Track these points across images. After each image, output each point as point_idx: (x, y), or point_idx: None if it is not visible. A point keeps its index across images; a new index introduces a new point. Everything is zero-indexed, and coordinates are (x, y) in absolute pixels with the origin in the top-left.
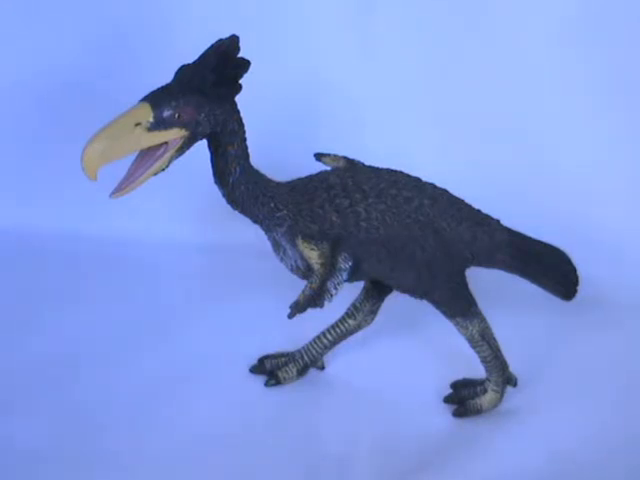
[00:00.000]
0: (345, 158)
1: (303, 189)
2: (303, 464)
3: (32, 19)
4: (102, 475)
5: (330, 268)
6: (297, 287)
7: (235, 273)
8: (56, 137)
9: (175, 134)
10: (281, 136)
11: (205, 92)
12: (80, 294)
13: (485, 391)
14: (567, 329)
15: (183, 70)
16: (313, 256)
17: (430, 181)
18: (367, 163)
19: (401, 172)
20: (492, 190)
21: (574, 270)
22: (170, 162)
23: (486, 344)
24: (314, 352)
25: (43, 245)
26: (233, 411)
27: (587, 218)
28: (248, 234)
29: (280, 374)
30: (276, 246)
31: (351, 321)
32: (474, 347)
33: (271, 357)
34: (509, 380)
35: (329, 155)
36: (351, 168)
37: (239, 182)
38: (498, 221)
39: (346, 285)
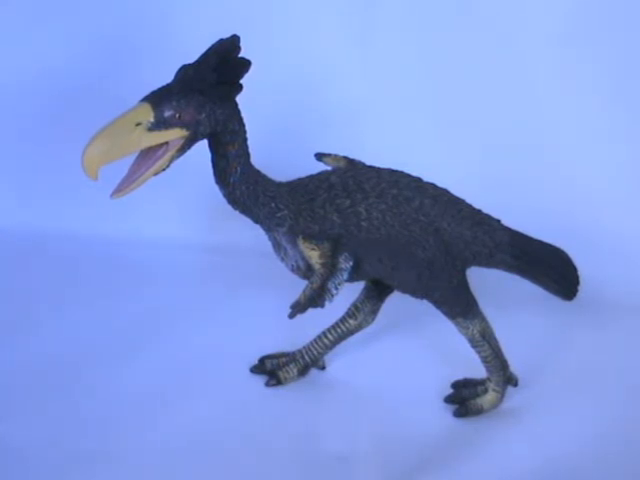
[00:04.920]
0: (346, 158)
1: (304, 189)
2: (303, 464)
3: (33, 20)
4: (102, 475)
5: (331, 268)
6: (298, 287)
7: (236, 273)
8: (56, 137)
9: (176, 134)
10: (282, 136)
11: (206, 92)
12: (80, 294)
13: (486, 391)
14: (568, 329)
15: (184, 70)
16: (314, 256)
17: (431, 181)
18: (367, 163)
19: (402, 172)
20: (493, 190)
21: (575, 270)
22: (171, 162)
23: (487, 344)
24: (315, 352)
25: (43, 245)
26: (234, 411)
27: (588, 218)
28: (249, 234)
29: (281, 374)
30: (277, 246)
31: (352, 321)
32: (475, 347)
33: (272, 357)
34: (510, 380)
35: (330, 155)
36: (352, 168)
37: (240, 182)
38: (499, 221)
39: (347, 285)
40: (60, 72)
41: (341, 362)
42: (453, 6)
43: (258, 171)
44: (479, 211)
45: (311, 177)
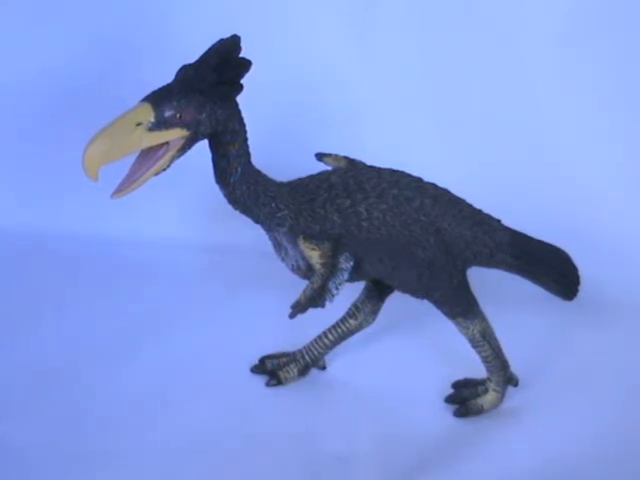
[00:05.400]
0: (346, 158)
1: (304, 189)
2: (303, 464)
3: (33, 20)
4: (102, 475)
5: (331, 268)
6: (298, 287)
7: (236, 273)
8: (56, 137)
9: (176, 134)
10: (282, 136)
11: (206, 92)
12: (80, 294)
13: (486, 391)
14: (568, 329)
15: (184, 70)
16: (314, 256)
17: (431, 181)
18: (368, 163)
19: (402, 172)
20: (493, 190)
21: (575, 270)
22: (171, 162)
23: (487, 344)
24: (315, 352)
25: (43, 245)
26: (234, 411)
27: (588, 218)
28: (249, 234)
29: (281, 374)
30: (277, 246)
31: (352, 321)
32: (475, 347)
33: (272, 357)
34: (510, 380)
35: (330, 155)
36: (352, 168)
37: (240, 182)
38: (499, 221)
39: (347, 285)
40: (60, 72)
41: (341, 362)
42: (453, 6)
43: (258, 171)
44: (479, 211)
45: (311, 177)
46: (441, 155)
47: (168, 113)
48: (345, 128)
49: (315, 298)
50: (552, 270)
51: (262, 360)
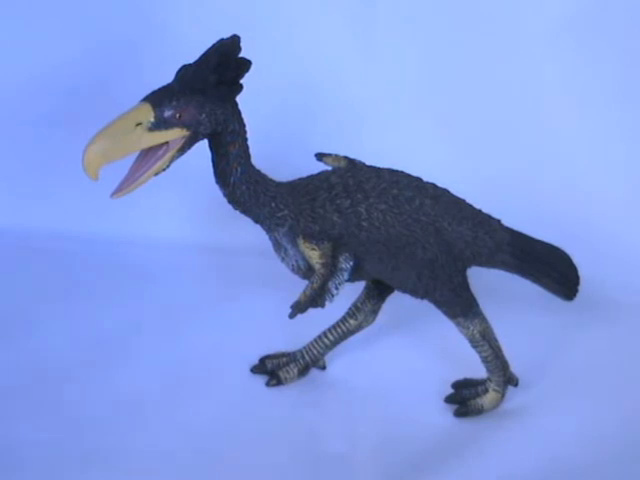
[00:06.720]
0: (346, 158)
1: (304, 189)
2: (304, 464)
3: (32, 19)
4: (101, 475)
5: (331, 268)
6: (298, 287)
7: (236, 273)
8: (56, 137)
9: (176, 134)
10: (282, 136)
11: (206, 92)
12: (80, 294)
13: (486, 391)
14: (568, 329)
15: (184, 70)
16: (314, 256)
17: (431, 181)
18: (368, 163)
19: (402, 172)
20: (493, 190)
21: (575, 270)
22: (171, 162)
23: (487, 344)
24: (315, 352)
25: (43, 245)
26: (234, 411)
27: (588, 218)
28: (249, 234)
29: (281, 374)
30: (277, 246)
31: (352, 321)
32: (475, 347)
33: (272, 357)
34: (510, 380)
35: (330, 155)
36: (352, 168)
37: (240, 182)
38: (499, 221)
39: (347, 285)
40: (60, 72)
41: (342, 362)
42: (455, 8)
43: (258, 171)
44: (479, 211)
45: (311, 177)
46: (441, 155)
47: (168, 113)
48: (345, 128)
49: (315, 298)
50: (552, 270)
51: (262, 360)
